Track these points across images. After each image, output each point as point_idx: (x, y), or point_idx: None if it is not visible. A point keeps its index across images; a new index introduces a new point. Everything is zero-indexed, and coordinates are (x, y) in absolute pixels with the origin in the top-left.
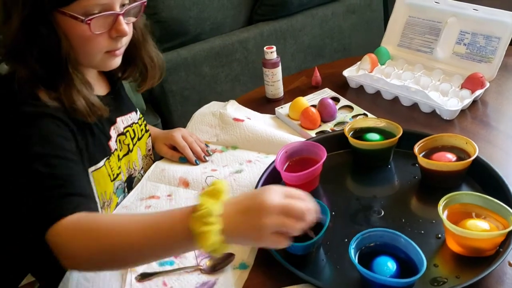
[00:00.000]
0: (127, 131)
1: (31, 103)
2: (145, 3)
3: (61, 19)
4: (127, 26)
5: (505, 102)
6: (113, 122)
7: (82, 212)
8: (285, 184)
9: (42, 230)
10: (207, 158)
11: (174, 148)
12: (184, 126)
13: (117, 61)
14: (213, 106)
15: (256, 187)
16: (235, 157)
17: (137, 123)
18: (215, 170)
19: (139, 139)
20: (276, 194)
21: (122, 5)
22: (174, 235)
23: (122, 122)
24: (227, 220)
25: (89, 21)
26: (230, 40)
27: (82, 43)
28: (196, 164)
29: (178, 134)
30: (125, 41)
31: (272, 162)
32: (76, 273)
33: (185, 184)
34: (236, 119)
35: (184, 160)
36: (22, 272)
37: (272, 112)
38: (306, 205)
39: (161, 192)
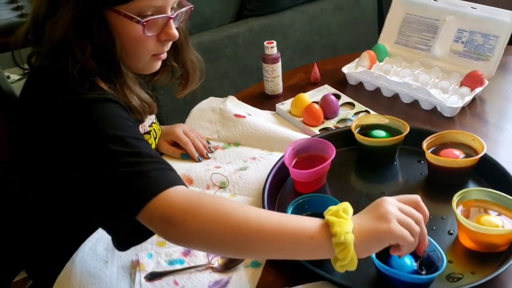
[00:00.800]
0: (150, 130)
1: (93, 91)
2: (192, 8)
3: (114, 18)
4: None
5: (503, 100)
6: (141, 121)
7: (182, 186)
8: (293, 180)
9: (136, 207)
10: (209, 155)
11: (174, 144)
12: (173, 122)
13: (159, 65)
14: (212, 102)
15: (265, 183)
16: (238, 154)
17: (156, 122)
18: (218, 167)
19: (157, 138)
20: (393, 205)
21: (171, 9)
22: (310, 229)
23: (146, 121)
24: (358, 227)
25: (145, 22)
26: (219, 35)
27: (133, 44)
28: (199, 160)
29: (179, 129)
30: (170, 45)
31: (280, 158)
32: (79, 267)
33: (189, 181)
34: (237, 115)
35: (186, 156)
36: (16, 269)
37: (272, 108)
38: (415, 224)
39: None
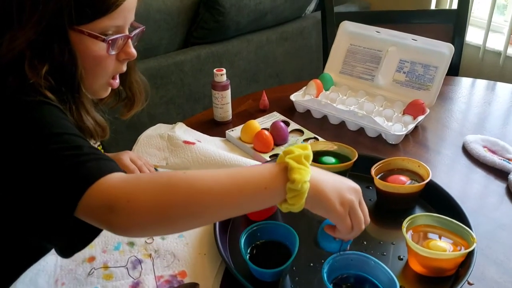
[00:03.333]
0: None
1: (33, 94)
2: (144, 29)
3: (76, 38)
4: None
5: (443, 127)
6: None
7: (120, 172)
8: None
9: (74, 198)
10: None
11: None
12: (117, 150)
13: (109, 91)
14: (160, 129)
15: None
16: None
17: (99, 145)
18: None
19: None
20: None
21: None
22: (264, 178)
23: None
24: (318, 175)
25: (110, 41)
26: (166, 62)
27: (93, 64)
28: None
29: (126, 157)
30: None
31: None
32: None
33: None
34: (186, 142)
35: None
36: None
37: (222, 135)
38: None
39: None
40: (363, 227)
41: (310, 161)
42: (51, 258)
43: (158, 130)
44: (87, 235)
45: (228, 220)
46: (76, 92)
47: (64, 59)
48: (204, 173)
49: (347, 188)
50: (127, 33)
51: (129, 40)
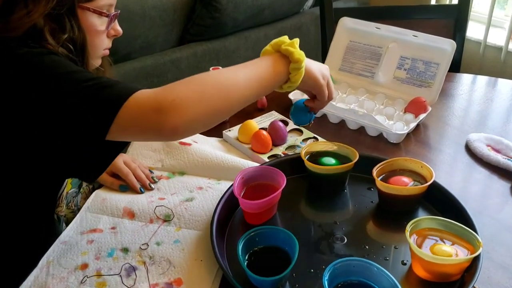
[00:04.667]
0: None
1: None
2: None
3: (82, 14)
4: None
5: (445, 125)
6: None
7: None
8: (242, 211)
9: (115, 107)
10: (152, 185)
11: (114, 175)
12: None
13: (100, 61)
14: None
15: (214, 216)
16: (184, 184)
17: None
18: (163, 198)
19: None
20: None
21: None
22: (270, 66)
23: None
24: (306, 61)
25: (113, 16)
26: (162, 59)
27: (93, 39)
28: (141, 192)
29: (119, 159)
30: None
31: (228, 188)
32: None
33: (130, 215)
34: (182, 143)
35: (124, 188)
36: None
37: (218, 135)
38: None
39: (104, 225)
40: (333, 96)
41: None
42: (43, 269)
43: None
44: (111, 153)
45: (225, 225)
46: (85, 65)
47: (75, 34)
48: (226, 71)
49: (323, 68)
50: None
51: (116, 19)
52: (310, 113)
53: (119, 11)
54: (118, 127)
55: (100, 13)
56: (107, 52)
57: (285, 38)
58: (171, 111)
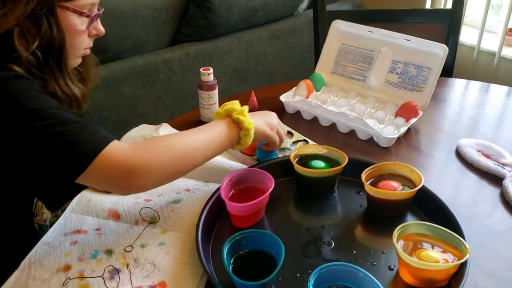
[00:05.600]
0: None
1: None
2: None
3: (62, 14)
4: None
5: (436, 130)
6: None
7: (116, 140)
8: (229, 214)
9: (79, 168)
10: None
11: None
12: None
13: (81, 60)
14: (144, 130)
15: (200, 218)
16: (171, 186)
17: None
18: (149, 200)
19: None
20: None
21: None
22: (224, 131)
23: None
24: (252, 119)
25: (93, 16)
26: (154, 59)
27: (73, 38)
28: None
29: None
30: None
31: (216, 190)
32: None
33: (116, 216)
34: None
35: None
36: None
37: None
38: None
39: (88, 226)
40: (284, 137)
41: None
42: (24, 271)
43: (141, 131)
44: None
45: (212, 228)
46: (63, 64)
47: (53, 33)
48: (189, 136)
49: (270, 118)
50: (96, 11)
51: (98, 18)
52: (271, 153)
53: (102, 10)
54: (85, 179)
55: (80, 13)
56: (88, 51)
57: (236, 105)
58: (142, 175)
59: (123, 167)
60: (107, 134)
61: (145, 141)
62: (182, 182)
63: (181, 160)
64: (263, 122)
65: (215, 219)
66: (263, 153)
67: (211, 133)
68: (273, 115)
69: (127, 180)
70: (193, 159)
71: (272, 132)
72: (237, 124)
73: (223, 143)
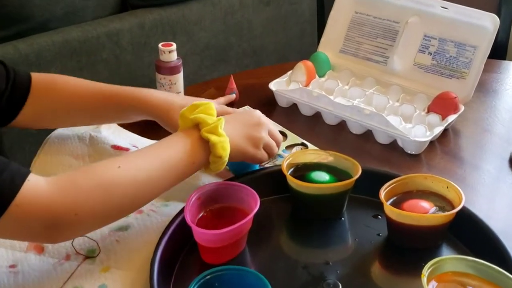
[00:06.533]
0: None
1: None
2: None
3: None
4: None
5: (484, 132)
6: None
7: (32, 175)
8: (198, 245)
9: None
10: None
11: None
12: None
13: None
14: (79, 127)
15: (156, 252)
16: None
17: None
18: None
19: None
20: (263, 117)
21: None
22: (188, 155)
23: None
24: (229, 133)
25: None
26: (95, 31)
27: None
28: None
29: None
30: None
31: (179, 212)
32: None
33: (38, 248)
34: (116, 147)
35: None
36: None
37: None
38: (279, 134)
39: (0, 261)
40: (276, 149)
41: (223, 124)
42: None
43: (75, 129)
44: None
45: (172, 265)
46: None
47: None
48: (137, 163)
49: (254, 129)
50: None
51: None
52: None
53: None
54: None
55: None
56: None
57: (209, 110)
58: (71, 226)
59: (44, 219)
60: (18, 167)
61: (74, 173)
62: None
63: (124, 201)
64: (242, 135)
65: (178, 253)
66: (239, 163)
67: (170, 157)
68: (258, 118)
69: (51, 233)
70: (141, 197)
71: (255, 150)
72: (207, 144)
73: (185, 171)
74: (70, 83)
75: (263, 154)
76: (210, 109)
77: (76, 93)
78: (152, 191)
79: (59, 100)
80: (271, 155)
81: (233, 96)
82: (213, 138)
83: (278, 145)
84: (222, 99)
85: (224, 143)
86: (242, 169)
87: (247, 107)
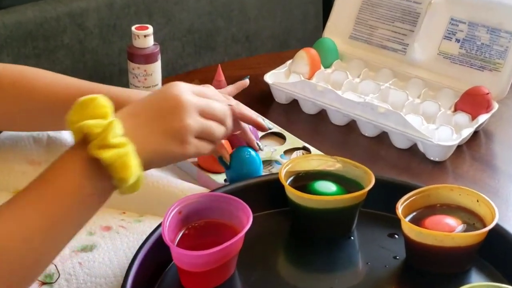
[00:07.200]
0: None
1: None
2: None
3: None
4: None
5: None
6: None
7: None
8: (177, 269)
9: None
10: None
11: None
12: None
13: None
14: None
15: (127, 277)
16: None
17: None
18: None
19: None
20: (187, 91)
21: None
22: (79, 189)
23: None
24: (135, 135)
25: None
26: (54, 11)
27: None
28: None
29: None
30: None
31: (155, 229)
32: None
33: None
34: None
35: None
36: None
37: None
38: (224, 105)
39: None
40: (221, 130)
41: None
42: None
43: None
44: None
45: None
46: None
47: None
48: (9, 229)
49: (171, 117)
50: None
51: None
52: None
53: None
54: None
55: None
56: None
57: (96, 109)
58: None
59: None
60: None
61: None
62: (99, 215)
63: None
64: (157, 131)
65: (153, 279)
66: (238, 160)
67: (54, 203)
68: (175, 98)
69: None
70: (24, 275)
71: (181, 146)
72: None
73: (83, 213)
74: (46, 78)
75: (198, 146)
76: (100, 106)
77: (51, 90)
78: (39, 260)
79: (29, 98)
80: (213, 141)
81: (246, 81)
82: (104, 154)
83: (224, 120)
84: (231, 88)
85: (125, 157)
86: (242, 175)
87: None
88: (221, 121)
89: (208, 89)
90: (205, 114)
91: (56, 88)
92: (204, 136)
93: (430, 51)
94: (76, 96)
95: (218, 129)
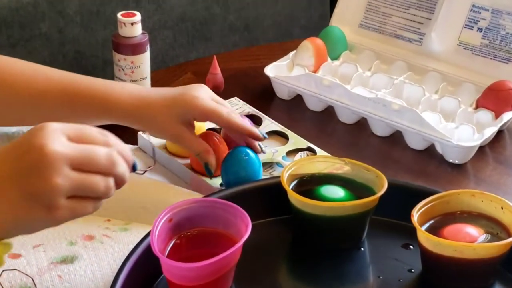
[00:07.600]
0: None
1: None
2: None
3: None
4: None
5: None
6: None
7: None
8: (167, 281)
9: None
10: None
11: None
12: None
13: None
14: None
15: None
16: (61, 229)
17: None
18: (17, 255)
19: None
20: (56, 137)
21: None
22: None
23: None
24: None
25: None
26: None
27: None
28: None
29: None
30: None
31: (143, 238)
32: None
33: None
34: None
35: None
36: None
37: (132, 140)
38: (110, 150)
39: None
40: (118, 169)
41: None
42: None
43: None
44: None
45: None
46: None
47: None
48: None
49: (32, 176)
50: None
51: None
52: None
53: None
54: None
55: None
56: None
57: None
58: None
59: None
60: None
61: None
62: (81, 224)
63: None
64: (16, 199)
65: None
66: (235, 162)
67: None
68: (36, 151)
69: None
70: None
71: (48, 211)
72: None
73: None
74: (24, 68)
75: (74, 209)
76: None
77: (31, 82)
78: None
79: (7, 91)
80: (98, 197)
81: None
82: None
83: (110, 170)
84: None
85: None
86: (240, 179)
87: (235, 100)
88: (105, 173)
89: (87, 128)
90: (82, 166)
91: (37, 80)
92: (82, 194)
93: (449, 41)
94: (58, 88)
95: (102, 183)
